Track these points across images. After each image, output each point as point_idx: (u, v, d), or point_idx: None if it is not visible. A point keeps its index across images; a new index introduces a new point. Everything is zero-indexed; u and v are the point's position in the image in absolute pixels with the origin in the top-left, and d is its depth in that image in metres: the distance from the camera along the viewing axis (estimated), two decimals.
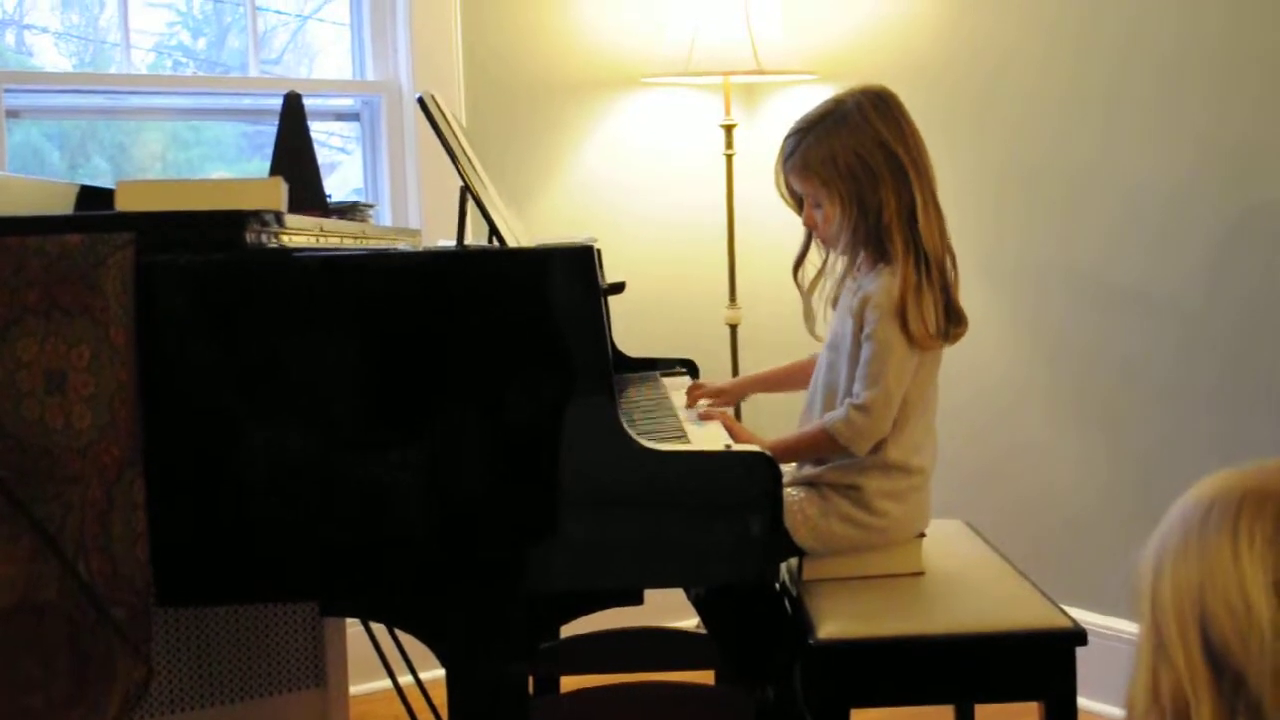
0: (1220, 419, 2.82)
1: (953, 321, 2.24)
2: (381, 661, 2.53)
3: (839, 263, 2.33)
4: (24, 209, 2.18)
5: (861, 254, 2.27)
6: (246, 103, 3.44)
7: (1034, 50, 3.16)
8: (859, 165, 2.21)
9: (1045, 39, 3.13)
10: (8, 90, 3.01)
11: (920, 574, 2.25)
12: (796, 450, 2.27)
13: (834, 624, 2.06)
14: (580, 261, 1.78)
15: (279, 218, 1.91)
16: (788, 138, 2.30)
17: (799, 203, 2.33)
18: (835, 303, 2.34)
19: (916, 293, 2.17)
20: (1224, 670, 1.01)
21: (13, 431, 1.73)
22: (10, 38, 3.23)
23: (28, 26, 3.29)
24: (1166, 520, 1.10)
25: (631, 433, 1.77)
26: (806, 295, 2.39)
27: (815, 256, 2.39)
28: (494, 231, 2.02)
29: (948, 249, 2.24)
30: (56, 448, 1.73)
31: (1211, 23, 2.79)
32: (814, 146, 2.24)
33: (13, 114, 3.05)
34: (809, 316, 2.39)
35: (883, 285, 2.19)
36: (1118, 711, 1.16)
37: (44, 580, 1.75)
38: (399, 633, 2.45)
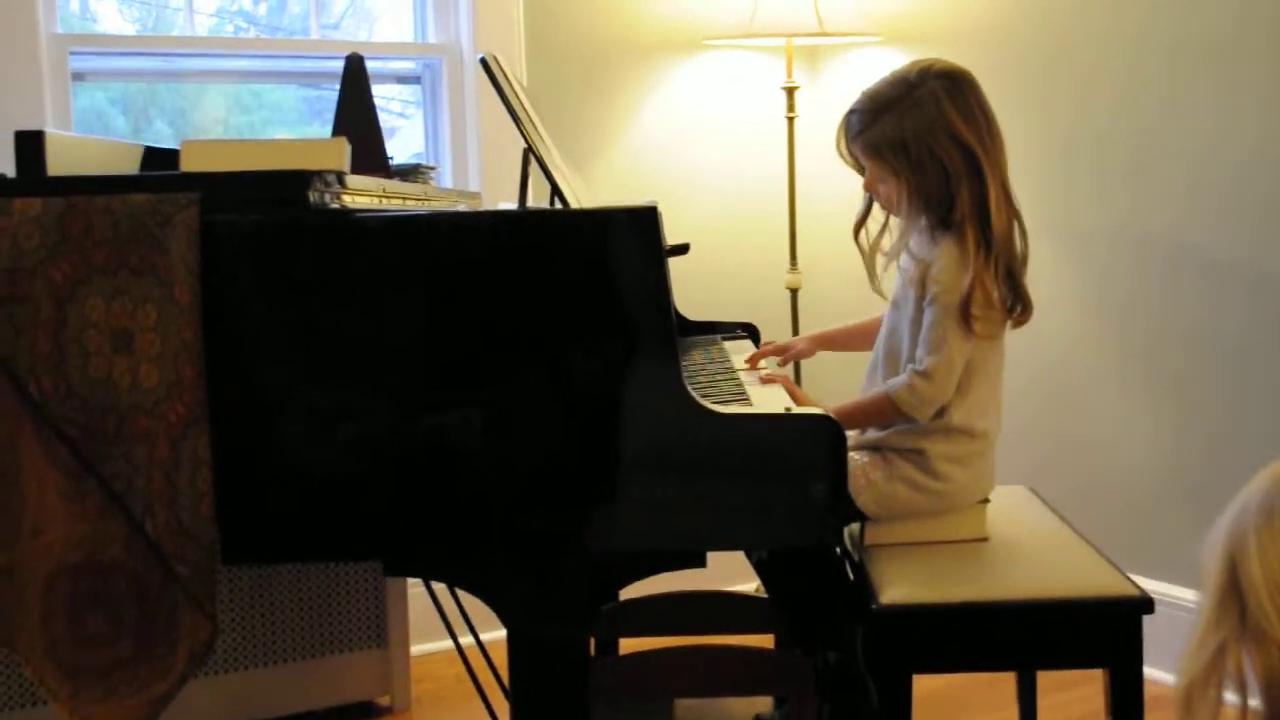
0: None
1: (1019, 306, 2.20)
2: (443, 622, 2.54)
3: (901, 223, 2.29)
4: (92, 169, 2.20)
5: (924, 219, 2.23)
6: (307, 65, 3.44)
7: (1100, 11, 3.10)
8: (929, 159, 2.16)
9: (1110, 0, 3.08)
10: (73, 53, 3.03)
11: (984, 540, 2.23)
12: (860, 416, 2.24)
13: (897, 589, 2.05)
14: (645, 221, 1.76)
15: (341, 178, 1.91)
16: (855, 112, 2.24)
17: (862, 168, 2.29)
18: (897, 260, 2.31)
19: (983, 286, 2.13)
20: None
21: (80, 391, 1.74)
22: (75, 3, 3.25)
23: None
24: (1239, 504, 1.10)
25: (695, 395, 1.76)
26: (869, 255, 2.35)
27: (877, 213, 2.35)
28: (556, 192, 2.01)
29: (1022, 233, 2.20)
30: (123, 406, 1.74)
31: None
32: (885, 130, 2.18)
33: (78, 76, 3.08)
34: (872, 274, 2.35)
35: (947, 261, 2.14)
36: None
37: (111, 538, 1.77)
38: (460, 593, 2.46)
